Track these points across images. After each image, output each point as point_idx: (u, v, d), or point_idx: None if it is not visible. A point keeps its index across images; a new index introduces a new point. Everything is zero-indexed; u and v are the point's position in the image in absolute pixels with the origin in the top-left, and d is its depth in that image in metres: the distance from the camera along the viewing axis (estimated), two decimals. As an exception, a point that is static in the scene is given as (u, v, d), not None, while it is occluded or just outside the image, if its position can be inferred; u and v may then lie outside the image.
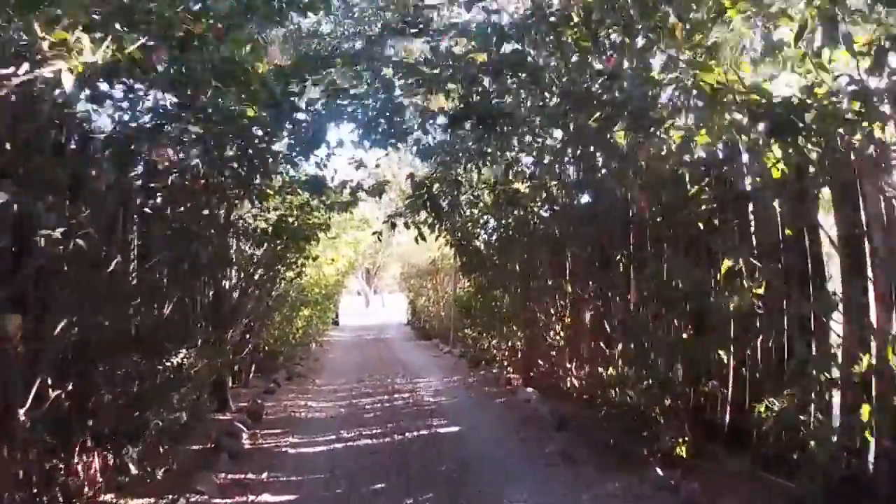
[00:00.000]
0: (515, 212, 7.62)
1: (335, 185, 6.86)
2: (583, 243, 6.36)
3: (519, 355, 9.40)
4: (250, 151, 5.06)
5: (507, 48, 4.87)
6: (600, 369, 6.20)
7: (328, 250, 11.28)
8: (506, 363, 10.01)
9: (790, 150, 3.08)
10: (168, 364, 4.71)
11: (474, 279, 9.96)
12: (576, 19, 4.44)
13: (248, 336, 8.88)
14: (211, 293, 7.30)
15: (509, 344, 10.00)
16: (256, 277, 7.59)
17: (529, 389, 8.09)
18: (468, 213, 8.58)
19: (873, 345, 3.23)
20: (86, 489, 3.84)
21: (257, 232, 6.86)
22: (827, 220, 3.71)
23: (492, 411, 7.59)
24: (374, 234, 9.06)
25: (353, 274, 22.24)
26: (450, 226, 8.48)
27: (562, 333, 8.17)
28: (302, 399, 8.54)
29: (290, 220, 7.23)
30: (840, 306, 3.44)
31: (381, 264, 30.26)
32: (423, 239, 7.95)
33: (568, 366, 7.98)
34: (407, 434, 6.23)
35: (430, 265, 16.87)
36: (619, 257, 5.78)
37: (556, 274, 8.04)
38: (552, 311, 8.44)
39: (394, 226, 7.79)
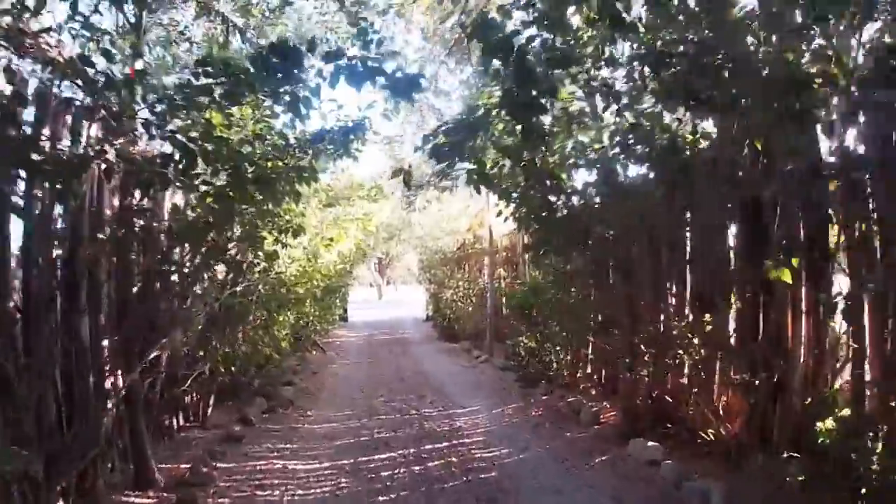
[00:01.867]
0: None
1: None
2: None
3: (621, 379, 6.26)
4: None
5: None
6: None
7: (327, 227, 8.15)
8: (591, 388, 6.88)
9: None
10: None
11: (551, 265, 6.79)
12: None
13: (201, 353, 5.82)
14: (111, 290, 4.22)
15: (591, 357, 6.88)
16: (195, 259, 4.44)
17: (650, 443, 4.95)
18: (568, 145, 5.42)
19: None
20: None
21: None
22: None
23: (598, 487, 4.44)
24: (397, 175, 5.67)
25: (363, 262, 19.11)
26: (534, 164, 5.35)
27: (696, 349, 5.05)
28: (280, 454, 5.44)
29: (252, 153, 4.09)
30: None
31: (396, 253, 27.08)
32: (484, 186, 4.94)
33: (706, 399, 4.89)
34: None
35: (458, 251, 13.73)
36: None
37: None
38: (675, 315, 5.31)
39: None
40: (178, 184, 3.49)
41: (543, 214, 5.50)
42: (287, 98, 3.60)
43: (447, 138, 5.99)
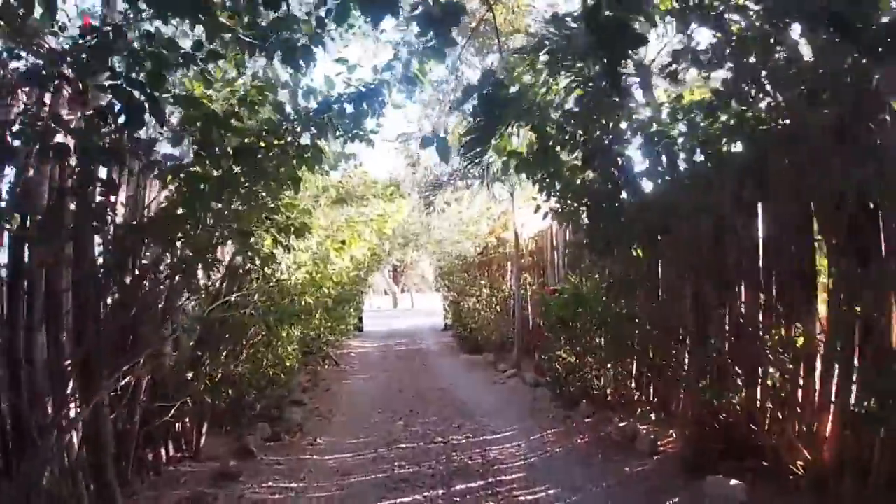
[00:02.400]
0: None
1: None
2: None
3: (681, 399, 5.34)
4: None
5: None
6: None
7: (338, 230, 7.26)
8: (644, 409, 5.94)
9: None
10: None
11: (600, 268, 5.87)
12: None
13: (190, 375, 4.97)
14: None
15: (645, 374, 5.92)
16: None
17: (732, 481, 4.00)
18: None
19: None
20: None
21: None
22: None
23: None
24: (429, 144, 4.65)
25: (378, 269, 18.24)
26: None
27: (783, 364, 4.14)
28: (283, 495, 4.55)
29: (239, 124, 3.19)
30: None
31: (412, 260, 26.17)
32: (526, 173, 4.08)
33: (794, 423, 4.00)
34: None
35: (480, 255, 12.80)
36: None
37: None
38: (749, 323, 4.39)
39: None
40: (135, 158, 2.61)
41: (605, 205, 4.54)
42: (280, 51, 2.72)
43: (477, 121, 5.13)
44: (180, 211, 2.96)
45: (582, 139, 4.27)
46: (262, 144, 3.26)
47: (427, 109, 10.69)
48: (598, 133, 4.22)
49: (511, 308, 11.50)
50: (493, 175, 9.49)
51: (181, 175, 2.93)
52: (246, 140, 3.09)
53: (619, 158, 4.30)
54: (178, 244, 3.29)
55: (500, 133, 5.44)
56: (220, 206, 3.08)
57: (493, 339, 11.19)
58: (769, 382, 4.43)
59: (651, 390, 6.30)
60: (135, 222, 3.33)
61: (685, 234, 4.32)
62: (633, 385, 6.48)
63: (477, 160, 6.17)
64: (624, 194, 4.51)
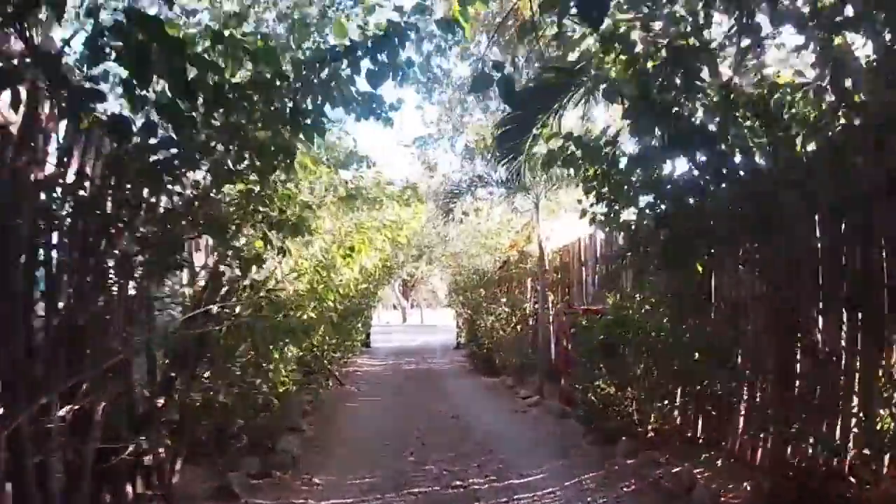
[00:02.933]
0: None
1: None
2: None
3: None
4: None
5: None
6: None
7: (346, 235, 6.39)
8: (709, 453, 5.01)
9: None
10: None
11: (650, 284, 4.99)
12: None
13: (165, 400, 4.12)
14: None
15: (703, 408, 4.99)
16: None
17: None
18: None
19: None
20: None
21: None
22: None
23: None
24: (485, 84, 3.69)
25: (388, 282, 17.38)
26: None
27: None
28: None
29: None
30: None
31: (423, 274, 25.31)
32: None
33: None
34: None
35: (499, 270, 11.89)
36: None
37: None
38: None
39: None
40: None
41: (695, 201, 3.63)
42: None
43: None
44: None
45: (675, 111, 3.37)
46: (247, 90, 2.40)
47: (447, 111, 9.89)
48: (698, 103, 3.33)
49: (533, 328, 10.58)
50: (519, 181, 8.66)
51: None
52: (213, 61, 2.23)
53: (725, 138, 3.38)
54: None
55: (544, 121, 4.61)
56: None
57: (512, 361, 10.25)
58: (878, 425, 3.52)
59: (713, 429, 5.35)
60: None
61: (797, 236, 3.41)
62: (690, 422, 5.55)
63: (512, 157, 5.34)
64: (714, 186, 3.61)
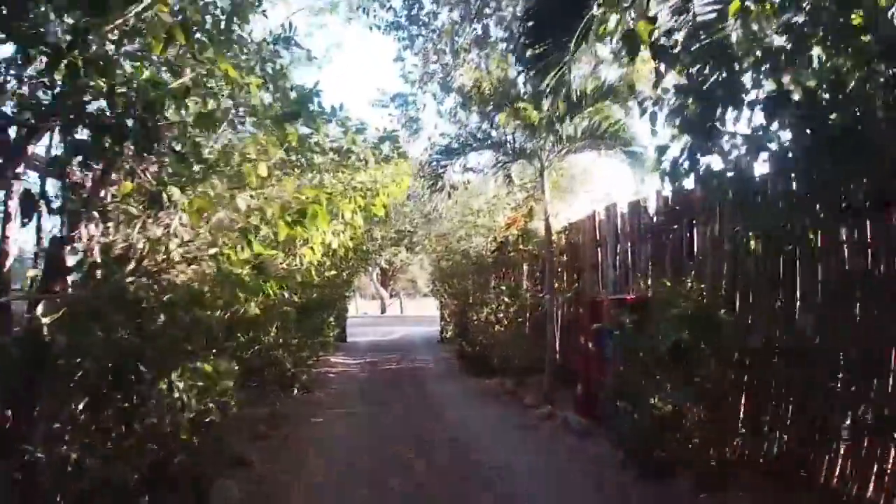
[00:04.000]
0: None
1: None
2: None
3: None
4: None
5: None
6: None
7: (296, 196, 4.54)
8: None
9: None
10: None
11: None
12: None
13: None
14: None
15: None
16: None
17: None
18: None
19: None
20: None
21: None
22: None
23: None
24: None
25: (365, 268, 15.51)
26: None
27: None
28: None
29: None
30: None
31: (403, 261, 23.43)
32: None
33: None
34: None
35: (495, 254, 10.12)
36: None
37: None
38: None
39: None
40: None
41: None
42: None
43: None
44: None
45: None
46: None
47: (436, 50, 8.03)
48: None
49: (536, 320, 8.84)
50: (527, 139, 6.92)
51: None
52: None
53: None
54: None
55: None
56: None
57: (515, 361, 8.50)
58: None
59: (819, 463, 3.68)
60: None
61: None
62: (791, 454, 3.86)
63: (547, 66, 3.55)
64: None
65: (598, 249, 8.21)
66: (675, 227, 6.30)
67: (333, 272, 8.69)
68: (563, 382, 7.88)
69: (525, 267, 9.92)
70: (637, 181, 8.08)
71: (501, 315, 9.29)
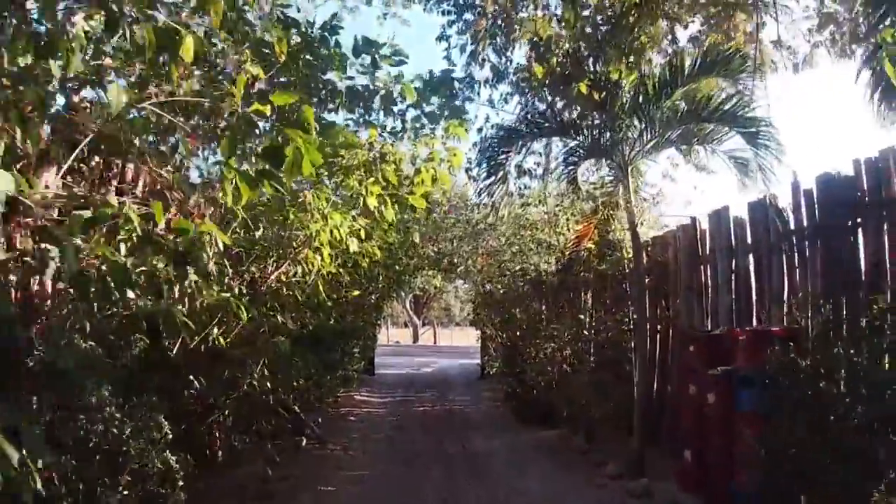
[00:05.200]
0: None
1: None
2: None
3: None
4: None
5: None
6: None
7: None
8: None
9: None
10: None
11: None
12: None
13: None
14: None
15: None
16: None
17: None
18: None
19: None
20: None
21: None
22: None
23: None
24: None
25: (394, 292, 13.71)
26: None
27: None
28: None
29: None
30: None
31: (438, 287, 21.56)
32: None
33: None
34: None
35: (561, 274, 8.20)
36: None
37: None
38: None
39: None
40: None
41: None
42: None
43: None
44: None
45: None
46: None
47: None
48: None
49: (615, 360, 6.84)
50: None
51: None
52: None
53: None
54: None
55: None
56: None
57: (590, 411, 6.48)
58: None
59: None
60: None
61: None
62: None
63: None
64: None
65: (702, 267, 6.26)
66: (848, 224, 4.42)
67: (357, 292, 6.88)
68: (657, 442, 5.97)
69: (605, 291, 7.94)
70: (752, 182, 6.10)
71: (569, 351, 7.29)
